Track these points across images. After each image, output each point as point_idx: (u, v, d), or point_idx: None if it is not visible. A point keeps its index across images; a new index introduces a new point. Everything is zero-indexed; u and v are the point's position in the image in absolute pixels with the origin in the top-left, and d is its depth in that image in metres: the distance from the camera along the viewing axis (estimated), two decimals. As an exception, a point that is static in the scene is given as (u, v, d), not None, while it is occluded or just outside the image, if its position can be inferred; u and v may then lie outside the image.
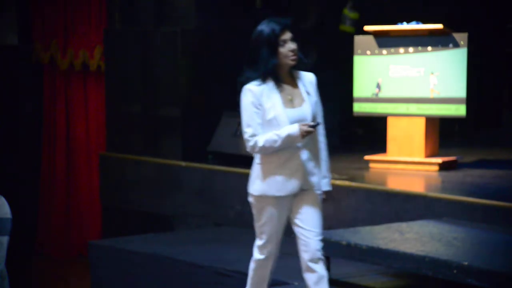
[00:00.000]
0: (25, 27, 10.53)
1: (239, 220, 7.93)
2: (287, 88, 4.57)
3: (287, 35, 4.51)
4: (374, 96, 7.99)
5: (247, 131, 4.52)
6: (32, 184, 10.52)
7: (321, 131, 4.65)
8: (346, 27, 9.92)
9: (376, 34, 7.98)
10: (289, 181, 4.55)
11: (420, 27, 7.76)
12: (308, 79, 4.63)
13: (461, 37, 7.65)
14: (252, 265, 4.79)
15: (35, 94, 10.59)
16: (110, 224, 9.68)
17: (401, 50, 7.89)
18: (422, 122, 7.86)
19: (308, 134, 4.46)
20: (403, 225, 5.98)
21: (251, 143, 4.53)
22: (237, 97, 4.56)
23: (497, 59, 11.29)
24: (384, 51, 7.94)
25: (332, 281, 5.43)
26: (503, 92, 11.54)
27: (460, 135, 10.72)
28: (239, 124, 8.50)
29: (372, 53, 7.99)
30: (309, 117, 4.53)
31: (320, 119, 4.62)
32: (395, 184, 7.46)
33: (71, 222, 10.56)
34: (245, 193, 7.94)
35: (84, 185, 10.54)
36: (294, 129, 4.44)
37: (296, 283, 5.86)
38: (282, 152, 4.52)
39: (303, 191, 4.60)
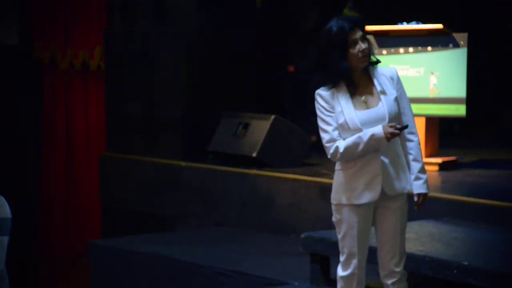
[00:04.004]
0: (25, 27, 10.53)
1: (239, 220, 7.93)
2: (361, 88, 4.22)
3: (357, 34, 4.14)
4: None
5: (323, 137, 4.20)
6: (32, 184, 10.51)
7: (410, 128, 4.25)
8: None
9: (376, 34, 7.98)
10: (369, 187, 4.19)
11: (420, 27, 7.76)
12: (387, 74, 4.26)
13: (461, 37, 7.64)
14: (337, 285, 4.38)
15: (35, 94, 10.58)
16: (110, 224, 9.67)
17: (401, 50, 7.89)
18: (422, 122, 7.86)
19: (394, 136, 4.10)
20: (403, 225, 5.97)
21: (331, 150, 4.18)
22: (310, 103, 4.24)
23: (497, 59, 11.29)
24: (384, 51, 7.94)
25: (332, 281, 5.43)
26: (503, 92, 11.54)
27: (460, 135, 10.72)
28: (239, 124, 8.50)
29: (372, 53, 7.98)
30: (386, 117, 4.15)
31: (408, 115, 4.26)
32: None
33: (71, 222, 10.56)
34: (245, 193, 7.99)
35: (84, 185, 10.54)
36: (378, 130, 4.09)
37: (296, 283, 5.85)
38: (361, 157, 4.17)
39: (387, 201, 4.23)
